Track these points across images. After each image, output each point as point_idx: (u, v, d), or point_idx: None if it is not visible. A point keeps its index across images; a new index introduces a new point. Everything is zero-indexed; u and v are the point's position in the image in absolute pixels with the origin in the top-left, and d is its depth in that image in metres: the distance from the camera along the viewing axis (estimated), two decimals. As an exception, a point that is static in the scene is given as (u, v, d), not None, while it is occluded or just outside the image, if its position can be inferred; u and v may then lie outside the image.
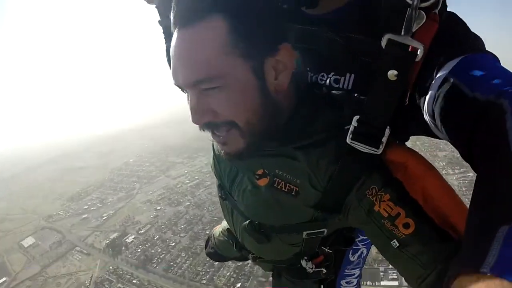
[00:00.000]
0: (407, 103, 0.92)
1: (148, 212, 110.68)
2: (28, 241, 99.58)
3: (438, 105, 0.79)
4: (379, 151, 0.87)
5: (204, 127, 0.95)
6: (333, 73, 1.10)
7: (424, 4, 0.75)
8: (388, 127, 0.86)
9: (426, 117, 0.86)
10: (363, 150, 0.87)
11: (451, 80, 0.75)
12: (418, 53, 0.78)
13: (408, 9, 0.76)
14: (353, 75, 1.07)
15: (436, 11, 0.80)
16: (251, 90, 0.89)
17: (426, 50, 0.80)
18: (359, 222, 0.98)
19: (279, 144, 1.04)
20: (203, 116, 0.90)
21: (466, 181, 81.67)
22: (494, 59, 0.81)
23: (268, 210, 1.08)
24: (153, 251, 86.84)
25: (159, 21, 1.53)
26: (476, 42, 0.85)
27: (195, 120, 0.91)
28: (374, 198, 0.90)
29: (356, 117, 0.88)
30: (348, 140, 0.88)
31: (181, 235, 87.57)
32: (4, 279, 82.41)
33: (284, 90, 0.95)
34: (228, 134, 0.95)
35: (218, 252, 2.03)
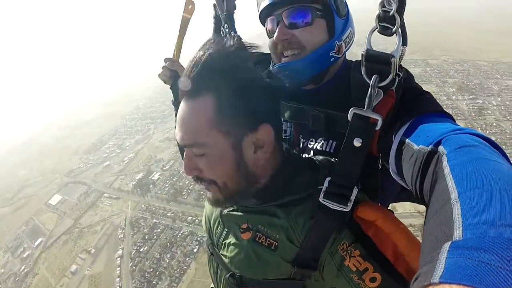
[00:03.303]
0: (380, 167, 1.09)
1: (169, 149, 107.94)
2: (55, 199, 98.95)
3: (397, 161, 0.95)
4: (348, 209, 0.96)
5: (193, 179, 1.11)
6: (321, 138, 1.37)
7: (382, 84, 0.92)
8: (355, 187, 0.97)
9: (392, 174, 1.01)
10: (334, 208, 0.97)
11: (404, 140, 0.92)
12: (377, 123, 0.92)
13: (369, 88, 0.92)
14: (335, 142, 1.33)
15: (393, 88, 0.97)
16: (228, 161, 1.02)
17: (383, 120, 0.94)
18: (331, 276, 1.04)
19: (261, 202, 1.16)
20: (192, 171, 1.06)
21: (476, 107, 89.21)
22: (436, 115, 0.96)
23: (249, 263, 1.14)
24: (181, 183, 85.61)
25: (172, 101, 1.80)
26: (424, 105, 1.02)
27: (186, 173, 1.07)
28: (345, 253, 0.98)
29: (328, 179, 1.00)
30: (320, 199, 0.99)
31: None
32: (40, 240, 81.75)
33: (263, 163, 1.09)
34: (210, 187, 1.09)
35: None
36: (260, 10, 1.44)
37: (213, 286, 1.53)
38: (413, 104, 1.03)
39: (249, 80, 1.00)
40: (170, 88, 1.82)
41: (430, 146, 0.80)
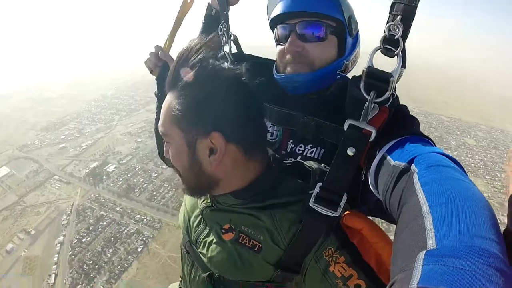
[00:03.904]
0: (363, 178, 1.15)
1: (129, 144, 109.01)
2: (2, 171, 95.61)
3: (376, 174, 1.01)
4: (337, 214, 0.99)
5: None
6: (310, 144, 1.46)
7: (378, 100, 0.96)
8: (345, 193, 1.00)
9: (370, 186, 1.05)
10: (323, 213, 0.99)
11: (385, 156, 0.97)
12: (371, 135, 0.97)
13: (366, 102, 0.96)
14: (323, 149, 1.44)
15: (387, 105, 1.02)
16: (183, 154, 1.09)
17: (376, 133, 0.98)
18: (314, 281, 1.05)
19: (241, 201, 1.17)
20: (166, 153, 1.16)
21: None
22: (418, 138, 1.01)
23: (230, 263, 1.14)
24: (135, 180, 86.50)
25: (155, 92, 1.77)
26: (409, 128, 1.07)
27: (165, 154, 1.18)
28: (330, 259, 1.00)
29: (319, 184, 1.03)
30: (310, 203, 1.01)
31: (164, 166, 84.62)
32: (-22, 210, 79.14)
33: (223, 168, 1.11)
34: (177, 175, 1.20)
35: None
36: (272, 16, 1.47)
37: (181, 286, 1.59)
38: (401, 125, 1.08)
39: (214, 93, 1.02)
40: (156, 79, 1.76)
41: (404, 163, 0.85)
